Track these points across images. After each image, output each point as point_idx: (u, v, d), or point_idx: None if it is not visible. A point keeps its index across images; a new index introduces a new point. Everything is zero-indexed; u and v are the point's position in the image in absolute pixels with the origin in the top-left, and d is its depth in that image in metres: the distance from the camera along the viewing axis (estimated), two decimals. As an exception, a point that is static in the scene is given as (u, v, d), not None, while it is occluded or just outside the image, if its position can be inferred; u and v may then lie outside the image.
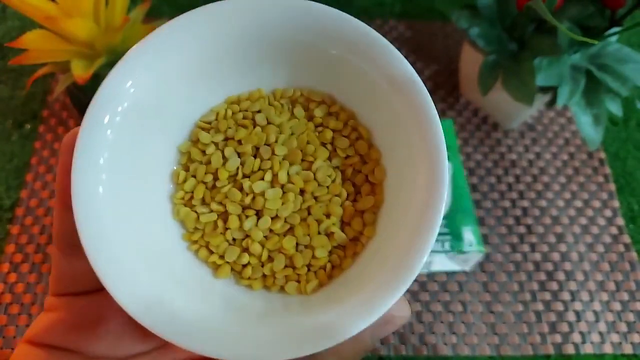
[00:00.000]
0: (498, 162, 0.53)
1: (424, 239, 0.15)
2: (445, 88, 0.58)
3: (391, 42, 0.17)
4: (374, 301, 0.15)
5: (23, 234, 0.48)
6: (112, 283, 0.15)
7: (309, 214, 0.18)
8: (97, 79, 0.40)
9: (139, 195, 0.18)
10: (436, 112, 0.17)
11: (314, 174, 0.19)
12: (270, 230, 0.18)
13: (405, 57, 0.17)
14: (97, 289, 0.19)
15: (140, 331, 0.18)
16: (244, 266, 0.18)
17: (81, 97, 0.43)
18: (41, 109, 0.54)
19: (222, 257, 0.18)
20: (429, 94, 0.17)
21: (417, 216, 0.16)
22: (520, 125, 0.55)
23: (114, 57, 0.39)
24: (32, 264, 0.46)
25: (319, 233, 0.18)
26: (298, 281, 0.18)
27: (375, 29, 0.17)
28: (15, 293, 0.45)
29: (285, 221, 0.18)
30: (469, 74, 0.53)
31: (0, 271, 0.46)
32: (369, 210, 0.19)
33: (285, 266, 0.18)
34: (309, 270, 0.18)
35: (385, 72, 0.17)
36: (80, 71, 0.37)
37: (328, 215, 0.19)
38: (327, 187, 0.19)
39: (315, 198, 0.19)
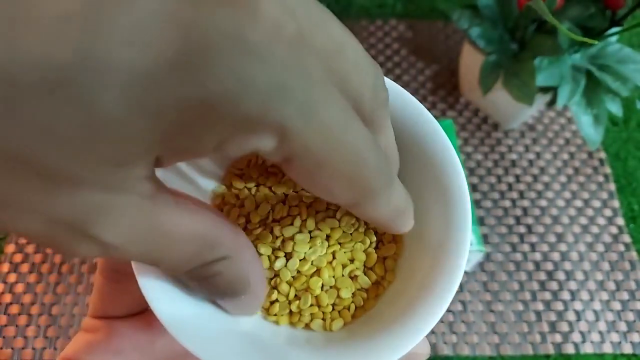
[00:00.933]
0: (498, 162, 0.53)
1: (448, 284, 0.16)
2: (445, 88, 0.58)
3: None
4: (399, 340, 0.15)
5: (23, 233, 0.48)
6: (158, 306, 0.16)
7: (334, 258, 0.19)
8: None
9: None
10: (459, 162, 0.17)
11: (339, 221, 0.20)
12: (298, 272, 0.19)
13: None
14: (134, 314, 0.20)
15: (179, 354, 0.19)
16: (272, 303, 0.19)
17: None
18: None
19: None
20: (450, 143, 0.17)
21: (444, 259, 0.17)
22: (520, 125, 0.55)
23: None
24: (32, 264, 0.46)
25: (343, 276, 0.19)
26: (323, 319, 0.19)
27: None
28: (15, 293, 0.45)
29: (312, 264, 0.19)
30: (470, 74, 0.53)
31: (0, 271, 0.46)
32: (391, 257, 0.20)
33: (311, 305, 0.19)
34: (333, 309, 0.19)
35: (405, 121, 0.18)
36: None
37: (352, 260, 0.20)
38: (351, 234, 0.20)
39: (340, 244, 0.20)
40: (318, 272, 0.19)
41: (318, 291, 0.19)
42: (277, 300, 0.19)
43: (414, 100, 0.18)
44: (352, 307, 0.19)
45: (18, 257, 0.46)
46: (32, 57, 0.08)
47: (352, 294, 0.19)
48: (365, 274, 0.19)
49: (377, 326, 0.17)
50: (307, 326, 0.19)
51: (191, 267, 0.13)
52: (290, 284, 0.19)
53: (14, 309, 0.44)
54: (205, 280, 0.14)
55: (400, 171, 0.18)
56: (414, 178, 0.19)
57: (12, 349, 0.43)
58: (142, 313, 0.20)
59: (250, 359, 0.16)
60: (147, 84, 0.08)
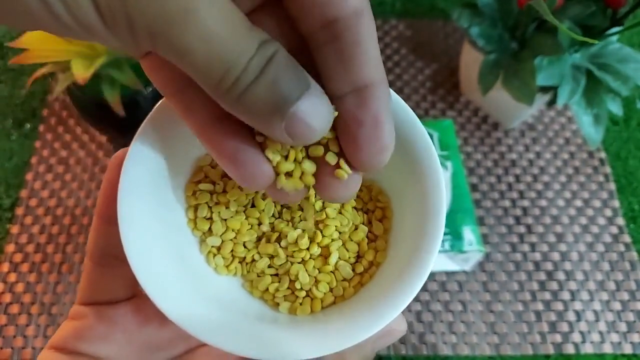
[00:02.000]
0: (498, 162, 0.53)
1: (424, 260, 0.17)
2: (445, 87, 0.57)
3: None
4: (378, 314, 0.17)
5: (23, 233, 0.48)
6: (152, 289, 0.16)
7: (324, 247, 0.20)
8: (97, 79, 0.40)
9: (175, 221, 0.19)
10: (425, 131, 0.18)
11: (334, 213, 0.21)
12: (289, 256, 0.20)
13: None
14: (122, 300, 0.20)
15: (165, 339, 0.19)
16: (258, 275, 0.20)
17: (81, 96, 0.43)
18: (41, 108, 0.54)
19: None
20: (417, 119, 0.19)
21: (418, 237, 0.18)
22: (520, 125, 0.55)
23: (114, 57, 0.39)
24: (32, 264, 0.46)
25: (328, 266, 0.20)
26: (292, 303, 0.20)
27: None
28: (15, 293, 0.45)
29: (304, 249, 0.20)
30: (469, 73, 0.53)
31: (0, 271, 0.46)
32: (381, 237, 0.21)
33: (288, 288, 0.20)
34: (307, 295, 0.20)
35: None
36: (80, 71, 0.37)
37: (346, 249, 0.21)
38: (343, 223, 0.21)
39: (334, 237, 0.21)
40: (304, 262, 0.20)
41: (295, 278, 0.20)
42: (262, 273, 0.20)
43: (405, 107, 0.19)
44: (329, 298, 0.20)
45: (18, 257, 0.46)
46: None
47: (331, 289, 0.20)
48: (353, 264, 0.20)
49: (360, 303, 0.18)
50: (275, 305, 0.20)
51: None
52: (276, 266, 0.20)
53: (14, 309, 0.44)
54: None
55: (392, 169, 0.19)
56: (393, 165, 0.19)
57: (12, 348, 0.43)
58: (130, 299, 0.20)
59: (228, 334, 0.17)
60: None
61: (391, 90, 0.18)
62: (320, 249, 0.20)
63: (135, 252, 0.16)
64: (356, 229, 0.21)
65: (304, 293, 0.20)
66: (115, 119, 0.42)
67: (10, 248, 0.47)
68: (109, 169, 0.18)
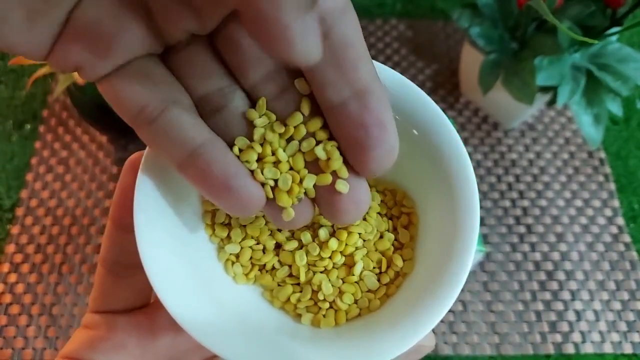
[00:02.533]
0: (498, 162, 0.53)
1: (456, 274, 0.16)
2: (445, 87, 0.57)
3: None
4: (408, 332, 0.16)
5: (23, 234, 0.48)
6: (168, 298, 0.16)
7: (348, 256, 0.19)
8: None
9: (192, 229, 0.19)
10: (462, 144, 0.18)
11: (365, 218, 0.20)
12: (311, 265, 0.19)
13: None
14: (135, 308, 0.19)
15: (180, 350, 0.19)
16: (279, 285, 0.20)
17: (81, 97, 0.43)
18: (41, 109, 0.54)
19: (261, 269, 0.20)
20: (455, 131, 0.18)
21: (449, 248, 0.17)
22: (520, 125, 0.55)
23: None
24: (33, 265, 0.46)
25: (354, 275, 0.19)
26: (315, 314, 0.19)
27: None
28: (15, 293, 0.45)
29: (327, 259, 0.19)
30: (470, 74, 0.53)
31: (0, 271, 0.46)
32: (408, 246, 0.20)
33: (310, 298, 0.19)
34: (330, 307, 0.19)
35: (410, 111, 0.18)
36: (80, 71, 0.37)
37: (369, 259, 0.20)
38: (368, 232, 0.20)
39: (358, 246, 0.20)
40: (327, 272, 0.19)
41: (318, 289, 0.19)
42: (284, 283, 0.19)
43: (418, 90, 0.18)
44: (354, 310, 0.19)
45: (18, 258, 0.46)
46: None
47: (356, 300, 0.19)
48: (379, 275, 0.19)
49: (389, 319, 0.17)
50: (297, 316, 0.19)
51: None
52: (299, 274, 0.19)
53: (15, 309, 0.44)
54: None
55: (405, 161, 0.18)
56: (419, 168, 0.18)
57: (13, 349, 0.43)
58: (144, 307, 0.20)
59: (246, 346, 0.16)
60: None
61: (414, 85, 0.18)
62: (344, 257, 0.19)
63: (151, 261, 0.16)
64: (381, 237, 0.20)
65: (327, 304, 0.19)
66: (116, 120, 0.42)
67: (10, 249, 0.47)
68: (123, 174, 0.18)
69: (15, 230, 0.48)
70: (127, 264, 0.18)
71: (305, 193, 0.16)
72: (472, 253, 0.16)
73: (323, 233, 0.19)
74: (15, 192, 0.50)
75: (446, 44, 0.60)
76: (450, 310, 0.45)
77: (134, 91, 0.14)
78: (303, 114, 0.15)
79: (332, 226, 0.19)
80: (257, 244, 0.19)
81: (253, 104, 0.15)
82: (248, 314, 0.18)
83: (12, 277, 0.46)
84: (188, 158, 0.14)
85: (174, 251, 0.17)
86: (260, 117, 0.15)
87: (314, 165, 0.16)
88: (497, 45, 0.48)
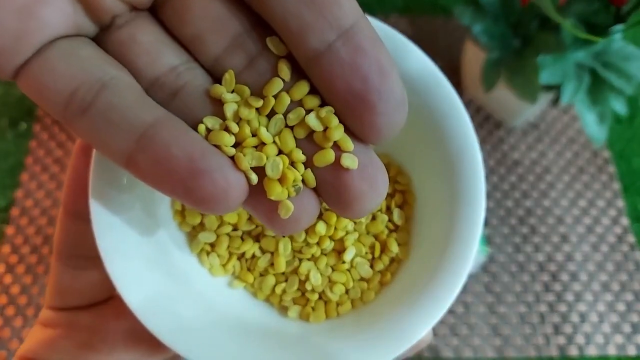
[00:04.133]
0: (501, 161, 0.52)
1: (458, 266, 0.15)
2: (447, 86, 0.57)
3: None
4: (405, 330, 0.15)
5: (18, 234, 0.47)
6: (129, 295, 0.14)
7: (338, 243, 0.18)
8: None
9: (157, 216, 0.17)
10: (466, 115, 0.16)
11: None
12: (296, 252, 0.18)
13: None
14: (97, 303, 0.18)
15: (145, 346, 0.17)
16: (261, 275, 0.18)
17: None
18: (36, 107, 0.54)
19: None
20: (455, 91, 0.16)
21: (451, 233, 0.15)
22: (523, 123, 0.55)
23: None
24: (28, 266, 0.46)
25: (344, 263, 0.18)
26: (304, 307, 0.18)
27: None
28: (10, 295, 0.44)
29: (313, 246, 0.18)
30: (472, 71, 0.52)
31: (-5, 272, 0.45)
32: (403, 228, 0.18)
33: (297, 289, 0.18)
34: (320, 298, 0.18)
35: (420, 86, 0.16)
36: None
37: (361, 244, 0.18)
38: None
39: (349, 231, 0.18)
40: (315, 259, 0.17)
41: (306, 279, 0.17)
42: (266, 272, 0.18)
43: (415, 49, 0.16)
44: (345, 302, 0.17)
45: (13, 259, 0.46)
46: None
47: (347, 291, 0.17)
48: (372, 261, 0.18)
49: (385, 315, 0.16)
50: (283, 310, 0.18)
51: None
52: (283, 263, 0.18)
53: (10, 311, 0.44)
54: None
55: (410, 139, 0.16)
56: (415, 140, 0.17)
57: (8, 350, 0.42)
58: (106, 301, 0.18)
59: (228, 346, 0.15)
60: None
61: (410, 43, 0.16)
62: (333, 243, 0.17)
63: (110, 253, 0.14)
64: (374, 218, 0.18)
65: (316, 296, 0.17)
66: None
67: (5, 249, 0.46)
68: (74, 156, 0.16)
69: (10, 230, 0.47)
70: (85, 256, 0.17)
71: (304, 182, 0.12)
72: (476, 239, 0.15)
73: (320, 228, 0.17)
74: (10, 192, 0.49)
75: (448, 41, 0.60)
76: (451, 312, 0.45)
77: (59, 75, 0.11)
78: (283, 80, 0.12)
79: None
80: (235, 230, 0.17)
81: (218, 80, 0.12)
82: (226, 309, 0.17)
83: (8, 278, 0.45)
84: (137, 145, 0.11)
85: (137, 241, 0.15)
86: (230, 92, 0.12)
87: (309, 143, 0.12)
88: (500, 42, 0.47)
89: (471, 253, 0.15)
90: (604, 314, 0.45)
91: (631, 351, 0.44)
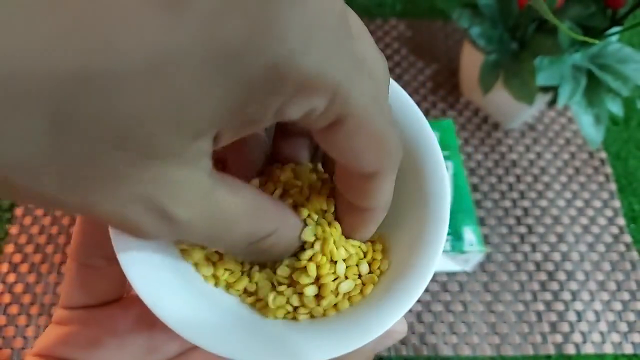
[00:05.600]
0: (499, 162, 0.53)
1: (426, 263, 0.17)
2: (445, 87, 0.57)
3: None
4: (380, 318, 0.16)
5: (22, 234, 0.47)
6: (144, 290, 0.15)
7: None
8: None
9: None
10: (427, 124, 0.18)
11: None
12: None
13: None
14: (109, 302, 0.19)
15: (158, 341, 0.19)
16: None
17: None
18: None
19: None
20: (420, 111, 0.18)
21: (419, 238, 0.17)
22: (521, 125, 0.55)
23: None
24: (32, 264, 0.46)
25: (336, 277, 0.18)
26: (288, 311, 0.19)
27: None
28: (14, 293, 0.45)
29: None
30: (470, 74, 0.53)
31: (-1, 271, 0.46)
32: (378, 241, 0.19)
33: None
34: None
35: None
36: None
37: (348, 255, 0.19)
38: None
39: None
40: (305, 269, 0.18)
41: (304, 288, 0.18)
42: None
43: (401, 92, 0.18)
44: (330, 309, 0.18)
45: (17, 257, 0.46)
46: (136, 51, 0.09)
47: (335, 304, 0.18)
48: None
49: (360, 307, 0.18)
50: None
51: (248, 242, 0.14)
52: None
53: (14, 309, 0.44)
54: (262, 253, 0.15)
55: None
56: None
57: (12, 349, 0.43)
58: (118, 300, 0.19)
59: (236, 338, 0.16)
60: (218, 60, 0.09)
61: (394, 82, 0.18)
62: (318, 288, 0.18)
63: (125, 251, 0.15)
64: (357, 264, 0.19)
65: (306, 311, 0.18)
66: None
67: (9, 248, 0.47)
68: None
69: (14, 230, 0.48)
70: (100, 255, 0.18)
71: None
72: (440, 246, 0.17)
73: (309, 292, 0.18)
74: (15, 192, 0.50)
75: (446, 44, 0.60)
76: (450, 311, 0.45)
77: None
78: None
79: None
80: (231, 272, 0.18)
81: None
82: (225, 301, 0.18)
83: (11, 277, 0.45)
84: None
85: (150, 243, 0.16)
86: None
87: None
88: (498, 45, 0.48)
89: (434, 262, 0.17)
90: (600, 312, 0.46)
91: (628, 349, 0.44)
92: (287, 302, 0.18)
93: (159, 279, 0.16)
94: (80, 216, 0.18)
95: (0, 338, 0.43)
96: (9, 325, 0.43)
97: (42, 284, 0.45)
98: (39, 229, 0.48)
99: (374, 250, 0.19)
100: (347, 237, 0.18)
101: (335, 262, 0.18)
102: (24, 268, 0.46)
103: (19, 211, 0.49)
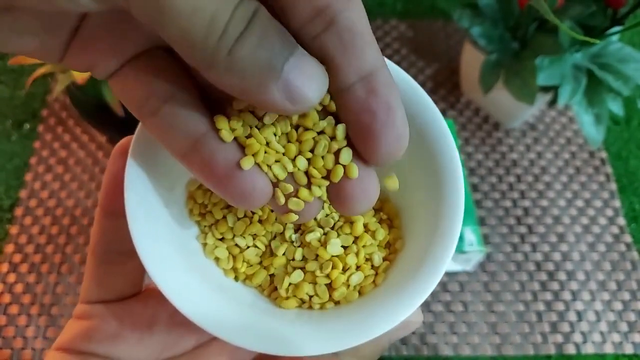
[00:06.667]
0: (499, 162, 0.53)
1: (441, 253, 0.17)
2: (446, 87, 0.57)
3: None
4: (396, 308, 0.16)
5: (22, 234, 0.47)
6: (164, 282, 0.16)
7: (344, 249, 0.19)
8: (96, 79, 0.39)
9: (179, 214, 0.19)
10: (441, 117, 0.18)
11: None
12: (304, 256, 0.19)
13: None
14: (127, 297, 0.19)
15: (176, 334, 0.19)
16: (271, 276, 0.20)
17: (81, 96, 0.43)
18: (41, 108, 0.54)
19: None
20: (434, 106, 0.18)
21: (435, 228, 0.17)
22: (521, 125, 0.55)
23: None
24: (32, 264, 0.46)
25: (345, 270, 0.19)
26: (304, 301, 0.19)
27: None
28: (14, 293, 0.45)
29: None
30: (470, 73, 0.53)
31: (-1, 271, 0.46)
32: (396, 224, 0.20)
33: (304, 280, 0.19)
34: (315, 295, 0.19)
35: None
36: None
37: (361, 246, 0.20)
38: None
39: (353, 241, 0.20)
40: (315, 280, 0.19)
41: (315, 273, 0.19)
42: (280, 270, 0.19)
43: (415, 85, 0.18)
44: (343, 298, 0.19)
45: (17, 257, 0.46)
46: None
47: (348, 285, 0.19)
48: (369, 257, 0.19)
49: (377, 297, 0.18)
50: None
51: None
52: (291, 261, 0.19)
53: (14, 309, 0.44)
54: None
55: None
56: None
57: (12, 349, 0.43)
58: (136, 295, 0.20)
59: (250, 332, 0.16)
60: None
61: (410, 77, 0.18)
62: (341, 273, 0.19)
63: (144, 244, 0.16)
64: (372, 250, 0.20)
65: (318, 300, 0.19)
66: (115, 119, 0.42)
67: (9, 248, 0.47)
68: (112, 159, 0.18)
69: (14, 230, 0.48)
70: (119, 251, 0.18)
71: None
72: (456, 236, 0.17)
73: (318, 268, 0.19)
74: (15, 192, 0.50)
75: (446, 44, 0.60)
76: (451, 311, 0.45)
77: (137, 85, 0.14)
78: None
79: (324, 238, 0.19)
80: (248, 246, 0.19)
81: None
82: (242, 294, 0.19)
83: (11, 277, 0.45)
84: (191, 148, 0.14)
85: (166, 237, 0.17)
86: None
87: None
88: (498, 45, 0.48)
89: (450, 250, 0.17)
90: (600, 312, 0.46)
91: (628, 349, 0.44)
92: (300, 290, 0.19)
93: (181, 276, 0.17)
94: (100, 212, 0.18)
95: (0, 338, 0.43)
96: (9, 325, 0.43)
97: (42, 284, 0.45)
98: (39, 229, 0.48)
99: (387, 225, 0.20)
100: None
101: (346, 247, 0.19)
102: (24, 268, 0.46)
103: (19, 211, 0.49)
